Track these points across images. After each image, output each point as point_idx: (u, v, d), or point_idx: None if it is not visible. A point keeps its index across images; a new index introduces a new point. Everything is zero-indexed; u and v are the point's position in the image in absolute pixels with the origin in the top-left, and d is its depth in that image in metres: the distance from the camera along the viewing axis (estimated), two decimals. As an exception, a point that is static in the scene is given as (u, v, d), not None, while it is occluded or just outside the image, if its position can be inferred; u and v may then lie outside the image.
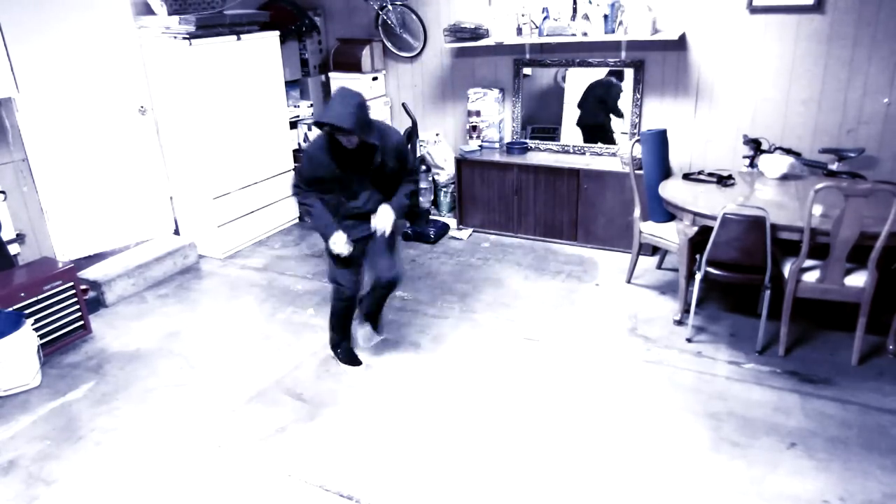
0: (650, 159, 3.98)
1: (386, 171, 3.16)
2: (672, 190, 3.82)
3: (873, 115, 4.15)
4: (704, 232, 3.48)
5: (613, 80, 4.88)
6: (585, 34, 4.59)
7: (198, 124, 4.66)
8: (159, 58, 4.61)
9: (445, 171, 5.47)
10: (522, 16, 4.79)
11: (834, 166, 4.05)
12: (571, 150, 5.09)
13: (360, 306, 3.52)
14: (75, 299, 3.81)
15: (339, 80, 5.61)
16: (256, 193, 5.23)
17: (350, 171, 3.10)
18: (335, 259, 3.23)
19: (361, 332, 3.57)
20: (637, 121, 4.83)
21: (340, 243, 3.12)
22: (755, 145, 4.18)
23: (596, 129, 5.07)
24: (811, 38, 4.16)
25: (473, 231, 5.30)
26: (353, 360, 3.49)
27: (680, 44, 4.51)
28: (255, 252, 5.11)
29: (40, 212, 4.32)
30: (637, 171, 4.18)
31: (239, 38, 4.84)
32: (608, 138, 5.03)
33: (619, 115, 4.93)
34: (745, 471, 2.64)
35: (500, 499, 2.55)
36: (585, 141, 5.08)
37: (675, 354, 3.48)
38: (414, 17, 5.34)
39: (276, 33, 5.18)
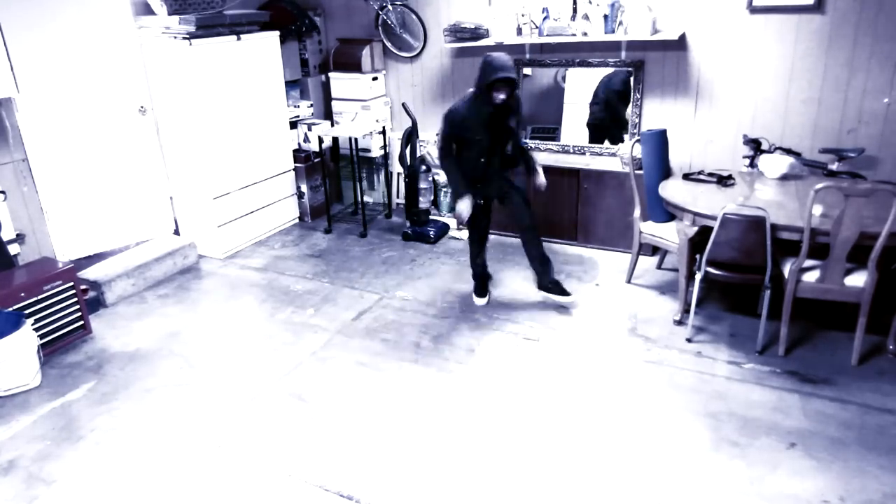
0: (650, 159, 3.98)
1: (510, 127, 3.67)
2: (672, 190, 3.82)
3: (873, 115, 4.15)
4: (704, 232, 3.48)
5: (623, 73, 4.85)
6: (585, 34, 4.59)
7: (198, 124, 4.66)
8: (159, 58, 4.61)
9: (445, 172, 5.47)
10: (522, 16, 4.79)
11: (834, 166, 4.04)
12: (571, 150, 5.09)
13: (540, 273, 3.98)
14: (75, 299, 3.81)
15: (339, 80, 5.62)
16: (256, 193, 5.23)
17: (490, 128, 3.58)
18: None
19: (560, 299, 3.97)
20: (637, 121, 4.83)
21: (467, 208, 3.66)
22: (755, 145, 4.18)
23: (613, 122, 5.02)
24: (811, 38, 4.16)
25: (473, 231, 5.30)
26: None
27: (680, 44, 4.51)
28: (255, 252, 5.11)
29: (40, 212, 4.32)
30: (637, 171, 4.18)
31: (239, 38, 4.84)
32: (621, 133, 4.97)
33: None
34: (745, 471, 2.64)
35: (499, 498, 2.55)
36: (595, 140, 5.02)
37: (675, 354, 3.48)
38: (414, 17, 5.34)
39: (276, 33, 5.18)
